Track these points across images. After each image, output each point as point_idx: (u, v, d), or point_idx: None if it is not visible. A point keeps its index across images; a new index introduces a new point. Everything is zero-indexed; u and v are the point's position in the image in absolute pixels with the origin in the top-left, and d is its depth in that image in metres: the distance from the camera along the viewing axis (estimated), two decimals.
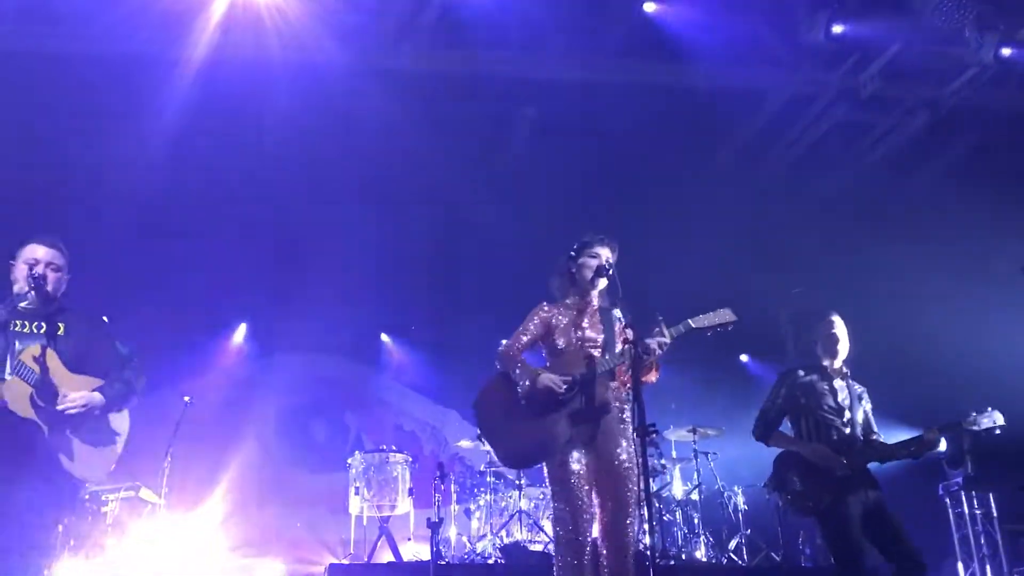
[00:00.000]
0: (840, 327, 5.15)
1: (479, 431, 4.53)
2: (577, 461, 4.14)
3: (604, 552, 4.02)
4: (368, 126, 7.88)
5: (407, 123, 7.82)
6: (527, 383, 4.26)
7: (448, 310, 10.63)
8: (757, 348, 11.24)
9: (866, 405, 5.13)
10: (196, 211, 8.71)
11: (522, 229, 9.22)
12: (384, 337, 11.28)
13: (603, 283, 4.44)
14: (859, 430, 4.97)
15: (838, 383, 5.08)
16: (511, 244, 9.44)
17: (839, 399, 5.01)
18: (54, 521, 3.93)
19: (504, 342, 4.51)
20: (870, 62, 7.61)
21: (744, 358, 11.58)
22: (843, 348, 5.12)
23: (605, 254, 4.50)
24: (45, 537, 3.80)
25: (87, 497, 6.77)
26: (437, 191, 8.75)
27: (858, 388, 5.16)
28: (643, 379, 4.21)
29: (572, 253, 4.58)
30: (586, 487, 4.10)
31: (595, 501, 4.11)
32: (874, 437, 5.02)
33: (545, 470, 4.31)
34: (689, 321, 4.31)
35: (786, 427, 5.19)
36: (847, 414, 4.99)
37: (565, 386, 4.20)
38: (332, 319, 10.49)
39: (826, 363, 5.12)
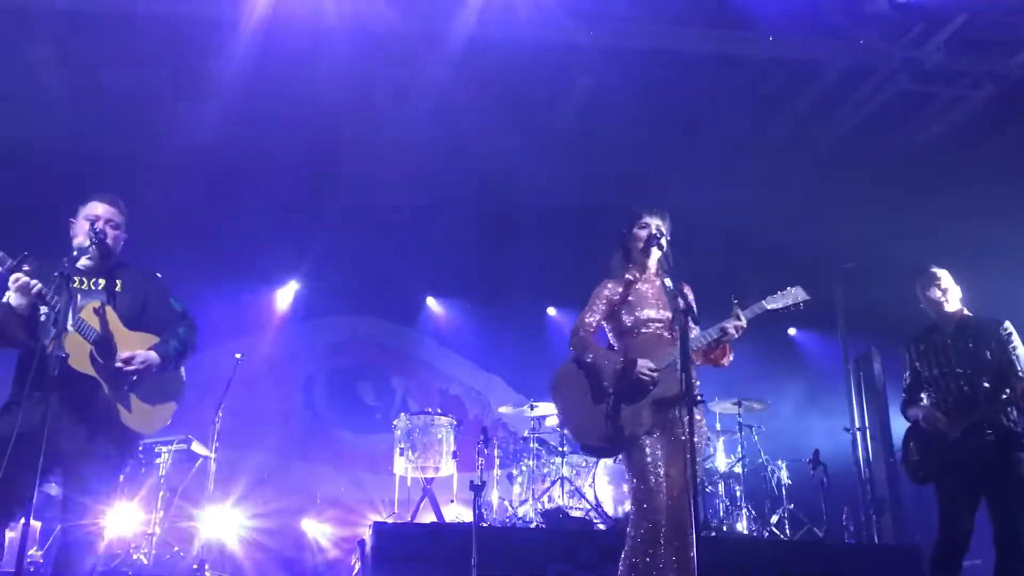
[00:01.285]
0: (945, 277, 4.95)
1: (560, 421, 4.46)
2: (650, 442, 4.13)
3: (671, 529, 4.02)
4: (422, 91, 7.88)
5: (461, 89, 7.80)
6: (614, 368, 4.19)
7: (496, 276, 10.65)
8: (806, 322, 11.12)
9: (997, 347, 4.74)
10: (249, 172, 8.81)
11: (574, 197, 9.19)
12: (431, 301, 11.35)
13: (657, 253, 4.39)
14: (985, 383, 4.65)
15: (954, 337, 4.84)
16: (562, 212, 9.41)
17: (955, 355, 4.78)
18: (116, 473, 4.04)
19: (571, 326, 4.44)
20: (934, 32, 7.37)
21: (792, 331, 11.47)
22: (952, 297, 4.90)
23: (655, 223, 4.44)
24: (106, 488, 3.91)
25: (141, 448, 6.95)
26: (489, 157, 8.72)
27: (990, 326, 4.83)
28: (718, 362, 4.29)
29: (624, 228, 4.54)
30: (661, 467, 4.10)
31: (662, 479, 4.10)
32: (1020, 378, 4.61)
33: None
34: (763, 302, 4.28)
35: None
36: (967, 369, 4.73)
37: (658, 371, 4.15)
38: (380, 282, 10.61)
39: (938, 318, 4.93)
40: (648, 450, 4.11)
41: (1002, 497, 4.52)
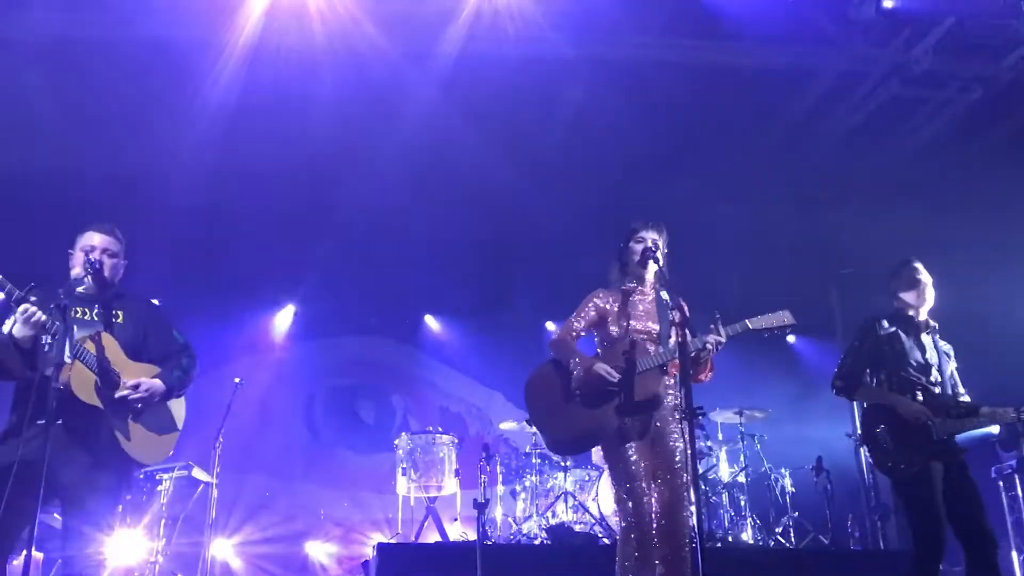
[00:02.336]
0: (924, 274, 4.86)
1: (528, 416, 4.56)
2: (635, 452, 4.17)
3: (660, 538, 4.03)
4: (411, 111, 7.90)
5: (450, 107, 7.82)
6: (580, 371, 4.27)
7: (494, 292, 10.66)
8: (804, 329, 11.12)
9: (952, 364, 4.79)
10: (243, 196, 8.81)
11: (566, 211, 9.20)
12: (429, 319, 11.35)
13: (653, 267, 4.44)
14: (948, 390, 4.66)
15: (925, 337, 4.78)
16: (556, 226, 9.42)
17: (926, 355, 4.72)
18: (116, 502, 4.03)
19: (557, 329, 4.54)
20: (922, 37, 7.41)
21: (791, 339, 11.46)
22: (929, 297, 4.82)
23: (651, 237, 4.51)
24: (108, 517, 3.90)
25: (142, 476, 6.93)
26: (481, 174, 8.74)
27: (944, 345, 4.83)
28: (697, 377, 4.30)
29: (621, 242, 4.61)
30: (644, 476, 4.13)
31: (652, 488, 4.12)
32: (961, 399, 4.67)
33: (595, 456, 4.37)
34: (747, 322, 4.34)
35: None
36: (935, 373, 4.69)
37: (617, 377, 4.20)
38: (378, 301, 10.61)
39: (911, 313, 4.82)
40: (630, 457, 4.13)
41: (965, 498, 4.49)
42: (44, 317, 3.68)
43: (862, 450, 10.19)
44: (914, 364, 4.70)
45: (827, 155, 8.71)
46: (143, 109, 7.73)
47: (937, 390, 4.66)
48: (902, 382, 4.69)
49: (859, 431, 4.88)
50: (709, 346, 4.21)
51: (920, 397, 4.62)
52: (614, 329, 4.45)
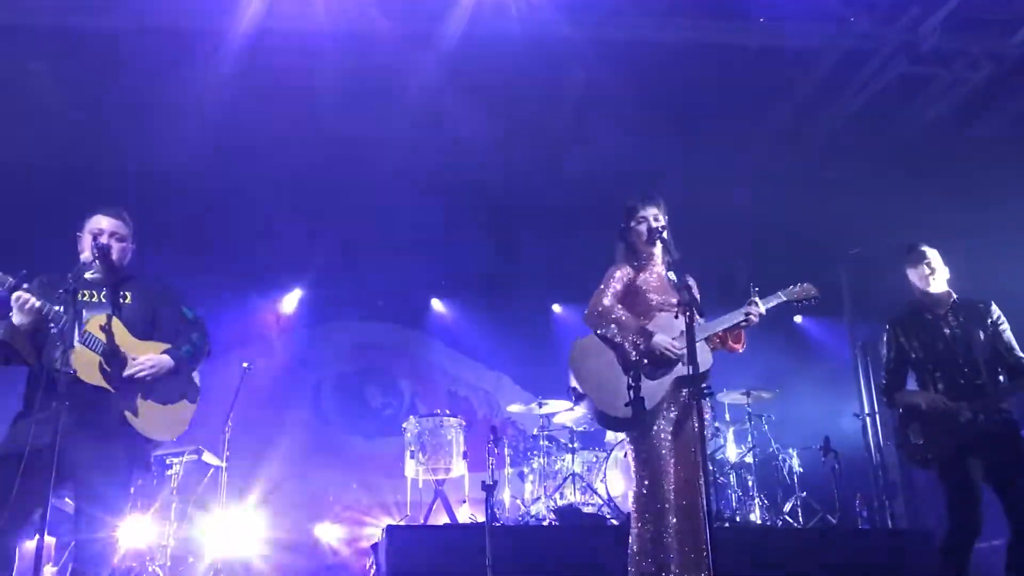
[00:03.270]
0: (932, 255, 4.87)
1: (577, 392, 4.43)
2: (661, 428, 4.17)
3: (677, 517, 4.03)
4: (415, 94, 7.87)
5: (455, 87, 7.79)
6: (637, 340, 4.21)
7: (500, 274, 10.66)
8: (813, 309, 11.06)
9: (990, 328, 4.73)
10: (250, 180, 8.81)
11: (572, 193, 9.18)
12: (435, 303, 11.36)
13: (660, 244, 4.42)
14: (982, 365, 4.62)
15: (950, 318, 4.76)
16: (562, 208, 9.40)
17: (949, 338, 4.71)
18: (128, 485, 4.05)
19: (594, 304, 4.42)
20: (930, 14, 7.34)
21: (799, 319, 11.45)
22: (940, 276, 4.84)
23: (652, 213, 4.48)
24: (119, 501, 3.93)
25: (152, 460, 6.97)
26: (486, 157, 8.72)
27: (979, 307, 4.80)
28: (732, 347, 4.43)
29: (622, 224, 4.57)
30: (667, 453, 4.12)
31: (671, 467, 4.12)
32: (1017, 358, 4.65)
33: (609, 435, 4.35)
34: (780, 293, 4.53)
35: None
36: (962, 354, 4.67)
37: (681, 350, 4.17)
38: (385, 286, 10.62)
39: (926, 297, 4.84)
40: (657, 439, 4.13)
41: (1013, 477, 4.48)
42: (38, 303, 3.69)
43: (869, 430, 10.23)
44: (940, 351, 4.72)
45: (835, 134, 8.66)
46: (146, 95, 7.72)
47: (967, 370, 4.64)
48: (931, 375, 4.74)
49: (895, 434, 4.91)
50: (752, 318, 4.32)
51: (958, 381, 4.63)
52: (640, 305, 4.40)
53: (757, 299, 4.38)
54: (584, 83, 7.99)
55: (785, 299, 4.53)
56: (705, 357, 4.25)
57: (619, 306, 4.37)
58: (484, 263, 10.47)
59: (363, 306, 11.00)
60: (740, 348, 4.47)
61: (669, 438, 4.16)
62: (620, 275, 4.47)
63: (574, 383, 4.37)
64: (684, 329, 4.16)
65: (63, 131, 7.96)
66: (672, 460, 4.12)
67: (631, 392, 4.00)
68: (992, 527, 4.54)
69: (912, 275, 4.92)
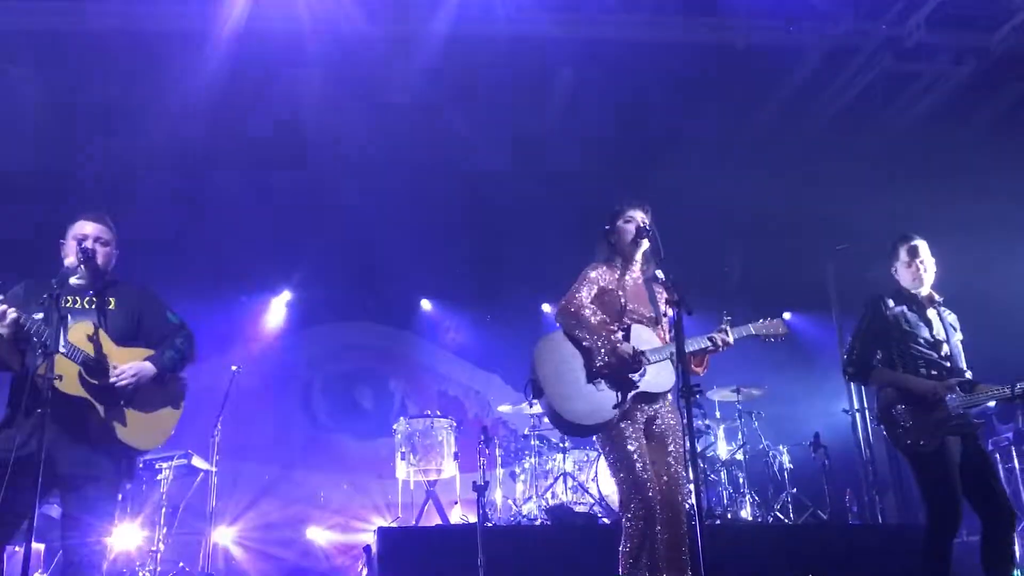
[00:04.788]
0: (923, 248, 4.81)
1: (533, 393, 4.45)
2: (632, 429, 4.16)
3: (661, 516, 4.04)
4: (401, 95, 7.86)
5: (441, 88, 7.79)
6: (605, 346, 4.18)
7: (489, 274, 10.65)
8: (800, 305, 11.14)
9: (958, 336, 4.75)
10: (236, 182, 8.77)
11: (559, 193, 9.17)
12: (425, 303, 11.34)
13: (645, 245, 4.41)
14: (960, 364, 4.64)
15: (931, 313, 4.73)
16: (550, 208, 9.40)
17: (934, 331, 4.68)
18: (116, 491, 4.02)
19: (563, 300, 4.41)
20: (915, 10, 7.38)
21: (787, 316, 11.47)
22: (930, 271, 4.79)
23: (639, 216, 4.48)
24: (108, 506, 3.90)
25: (141, 465, 6.93)
26: (474, 156, 8.72)
27: (950, 317, 4.79)
28: (694, 370, 4.33)
29: (607, 225, 4.55)
30: (638, 457, 4.12)
31: (650, 467, 4.12)
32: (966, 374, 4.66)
33: (598, 441, 4.34)
34: (750, 326, 4.53)
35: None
36: (944, 348, 4.66)
37: (643, 368, 4.18)
38: (373, 286, 10.59)
39: (913, 291, 4.78)
40: (631, 442, 4.12)
41: (982, 473, 4.50)
42: (14, 314, 3.65)
43: (859, 425, 10.26)
44: (923, 341, 4.67)
45: (821, 130, 8.69)
46: (129, 98, 7.69)
47: (948, 365, 4.64)
48: (913, 360, 4.64)
49: (876, 411, 4.78)
50: (718, 343, 4.30)
51: (933, 373, 4.59)
52: (611, 306, 4.39)
53: (728, 327, 4.36)
54: (571, 82, 7.99)
55: (754, 333, 4.56)
56: (663, 377, 4.23)
57: (592, 307, 4.33)
58: (473, 262, 10.47)
59: (352, 307, 10.96)
60: (700, 371, 4.41)
61: (637, 443, 4.13)
62: (595, 275, 4.44)
63: (535, 376, 4.35)
64: (655, 344, 4.25)
65: (43, 134, 7.90)
66: (646, 462, 4.10)
67: (593, 401, 4.09)
68: (964, 523, 4.55)
69: (901, 269, 4.86)
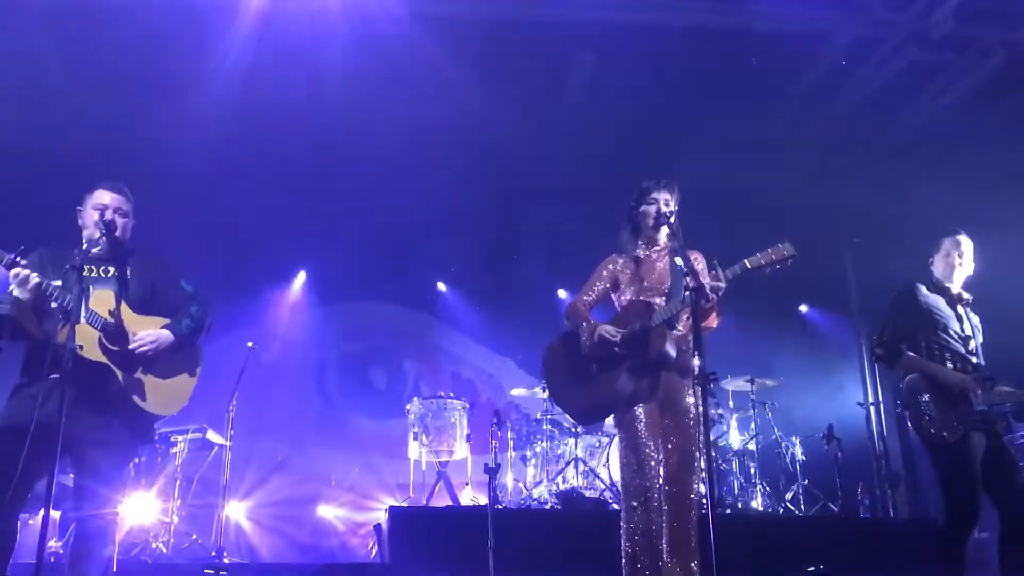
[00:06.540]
0: (968, 247, 4.81)
1: (547, 391, 4.64)
2: (643, 412, 4.16)
3: (666, 501, 4.03)
4: (423, 74, 7.83)
5: (463, 71, 7.76)
6: (587, 338, 4.33)
7: (505, 259, 10.64)
8: (818, 298, 11.09)
9: (980, 339, 4.74)
10: (256, 160, 8.79)
11: (579, 177, 9.15)
12: (441, 286, 11.35)
13: (666, 230, 4.39)
14: (982, 361, 4.63)
15: (960, 309, 4.73)
16: (568, 192, 9.38)
17: (963, 326, 4.67)
18: (128, 459, 4.06)
19: (571, 297, 4.53)
20: (942, 1, 7.29)
21: (804, 308, 11.43)
22: (967, 269, 4.79)
23: (663, 198, 4.46)
24: (120, 475, 3.93)
25: (156, 437, 6.99)
26: (494, 139, 8.69)
27: (974, 318, 4.79)
28: (704, 324, 4.08)
29: (632, 203, 4.55)
30: (651, 437, 4.11)
31: (660, 450, 4.11)
32: None
33: (608, 421, 4.40)
34: (745, 261, 4.09)
35: None
36: (972, 343, 4.65)
37: (619, 336, 4.22)
38: (391, 267, 10.61)
39: (947, 284, 4.78)
40: (640, 422, 4.12)
41: (1003, 470, 4.49)
42: (37, 279, 3.69)
43: (873, 419, 10.22)
44: (953, 334, 4.67)
45: (842, 122, 8.61)
46: (153, 74, 7.70)
47: (975, 360, 4.64)
48: (941, 350, 4.63)
49: (902, 397, 4.72)
50: (709, 292, 3.97)
51: (959, 367, 4.59)
52: (627, 294, 4.44)
53: (720, 270, 4.05)
54: (593, 66, 7.94)
55: (750, 267, 4.06)
56: (655, 345, 4.15)
57: (587, 302, 4.52)
58: (491, 245, 10.47)
59: (369, 287, 10.99)
60: (714, 324, 4.26)
61: (648, 425, 4.12)
62: (613, 268, 4.55)
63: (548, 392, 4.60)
64: (647, 319, 4.23)
65: (66, 108, 7.93)
66: (658, 444, 4.10)
67: (589, 388, 4.25)
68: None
69: (939, 260, 4.86)
